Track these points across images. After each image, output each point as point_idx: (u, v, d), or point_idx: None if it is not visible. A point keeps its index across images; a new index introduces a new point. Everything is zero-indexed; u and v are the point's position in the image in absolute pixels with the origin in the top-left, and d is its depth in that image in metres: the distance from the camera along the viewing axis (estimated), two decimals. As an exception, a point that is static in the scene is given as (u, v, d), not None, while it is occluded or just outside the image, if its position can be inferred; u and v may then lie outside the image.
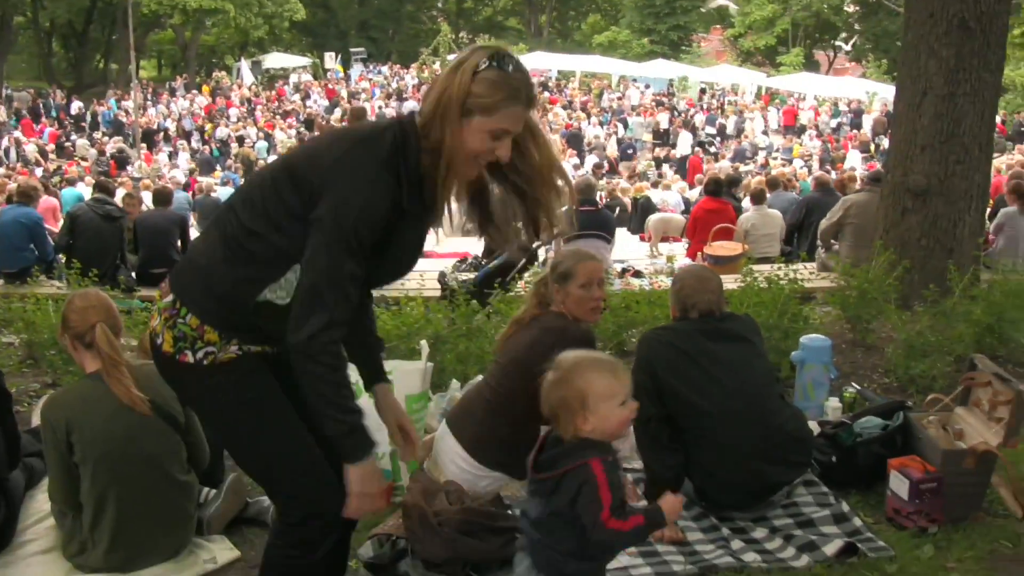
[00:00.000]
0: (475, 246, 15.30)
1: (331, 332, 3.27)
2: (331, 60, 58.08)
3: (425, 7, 77.29)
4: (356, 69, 57.94)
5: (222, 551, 5.23)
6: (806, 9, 61.60)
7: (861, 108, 44.41)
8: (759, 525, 5.45)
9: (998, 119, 41.45)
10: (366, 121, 3.68)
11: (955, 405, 6.03)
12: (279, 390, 3.62)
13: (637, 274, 12.68)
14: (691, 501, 5.64)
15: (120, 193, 17.18)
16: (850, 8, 64.54)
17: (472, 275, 11.51)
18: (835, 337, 8.28)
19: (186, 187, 25.32)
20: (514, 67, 3.46)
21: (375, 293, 3.98)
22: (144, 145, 38.62)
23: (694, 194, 23.43)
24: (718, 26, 72.40)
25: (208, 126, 42.83)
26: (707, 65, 61.31)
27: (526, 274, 10.78)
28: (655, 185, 26.81)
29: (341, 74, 56.22)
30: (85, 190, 21.41)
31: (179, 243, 13.61)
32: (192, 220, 18.37)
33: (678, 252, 15.33)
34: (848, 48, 67.72)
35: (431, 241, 18.82)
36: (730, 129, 43.09)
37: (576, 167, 32.00)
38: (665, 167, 34.34)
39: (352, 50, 61.02)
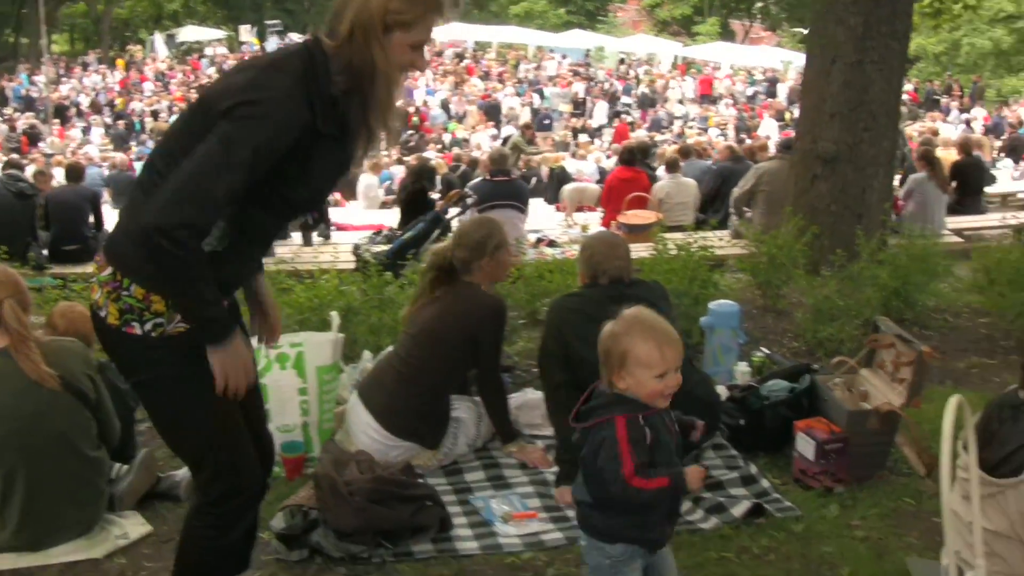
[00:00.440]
0: (390, 218, 15.31)
1: (182, 232, 3.16)
2: (247, 32, 57.37)
3: (340, -22, 76.46)
4: (272, 41, 57.25)
5: (134, 526, 5.20)
6: (721, -22, 61.94)
7: (776, 77, 44.70)
8: (669, 488, 5.51)
9: (911, 87, 42.17)
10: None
11: (860, 367, 6.12)
12: None
13: (552, 244, 12.70)
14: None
15: (31, 170, 16.92)
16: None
17: (386, 247, 11.49)
18: (746, 303, 8.38)
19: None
20: None
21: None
22: (57, 121, 37.97)
23: (612, 163, 23.49)
24: (635, -4, 72.54)
25: (119, 100, 42.19)
26: (624, 35, 61.33)
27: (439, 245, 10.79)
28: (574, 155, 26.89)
29: (257, 47, 55.55)
30: (-5, 167, 21.05)
31: (92, 219, 13.40)
32: (106, 196, 18.09)
33: (593, 221, 15.38)
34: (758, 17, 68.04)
35: (350, 213, 18.90)
36: (646, 99, 43.21)
37: (493, 138, 31.90)
38: (582, 137, 34.35)
39: (268, 22, 60.31)
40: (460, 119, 38.61)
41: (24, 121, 37.72)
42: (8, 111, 40.96)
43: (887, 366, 5.91)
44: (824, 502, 5.37)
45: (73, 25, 68.10)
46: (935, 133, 24.54)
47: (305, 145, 3.36)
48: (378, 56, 3.36)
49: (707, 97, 43.96)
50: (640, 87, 44.57)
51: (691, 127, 35.18)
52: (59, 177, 16.69)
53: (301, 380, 5.88)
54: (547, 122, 38.04)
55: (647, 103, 42.30)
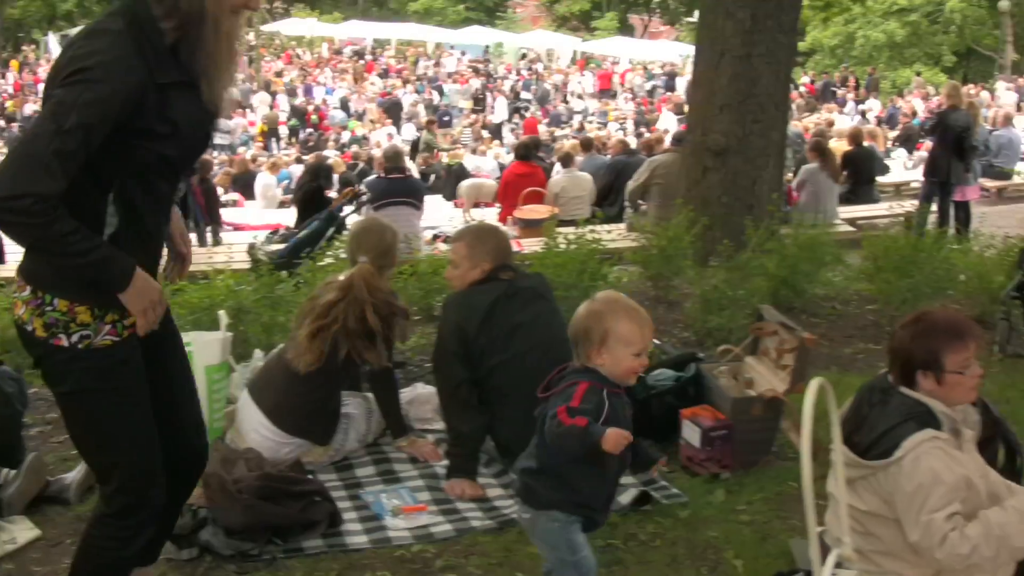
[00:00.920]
0: (288, 218, 15.26)
1: (25, 201, 3.12)
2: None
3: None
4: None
5: (22, 531, 5.13)
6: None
7: (675, 71, 45.05)
8: (559, 479, 5.57)
9: (808, 79, 42.73)
10: None
11: (745, 355, 6.23)
12: (143, 382, 3.63)
13: (447, 240, 12.73)
14: (492, 459, 5.76)
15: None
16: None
17: (282, 246, 11.46)
18: (638, 295, 8.46)
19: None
20: None
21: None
22: (-52, 124, 37.36)
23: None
24: (533, -9, 72.70)
25: (10, 104, 41.38)
26: (523, 30, 61.48)
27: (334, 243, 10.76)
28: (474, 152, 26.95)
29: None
30: None
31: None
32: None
33: (490, 217, 15.44)
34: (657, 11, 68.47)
35: (248, 213, 18.77)
36: (543, 94, 43.36)
37: (389, 136, 31.80)
38: (485, 132, 34.41)
39: (164, 21, 59.71)
40: (360, 117, 38.49)
41: (-87, 125, 36.99)
42: (-101, 117, 40.11)
43: (771, 353, 6.01)
44: (710, 488, 5.45)
45: (-36, 26, 66.87)
46: (831, 124, 24.93)
47: (157, 99, 3.33)
48: (208, 1, 3.37)
49: (606, 92, 44.23)
50: (541, 82, 44.72)
51: (591, 122, 35.34)
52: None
53: (190, 380, 5.83)
54: (447, 119, 38.09)
55: (546, 99, 42.47)
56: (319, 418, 5.78)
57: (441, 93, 42.94)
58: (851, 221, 14.43)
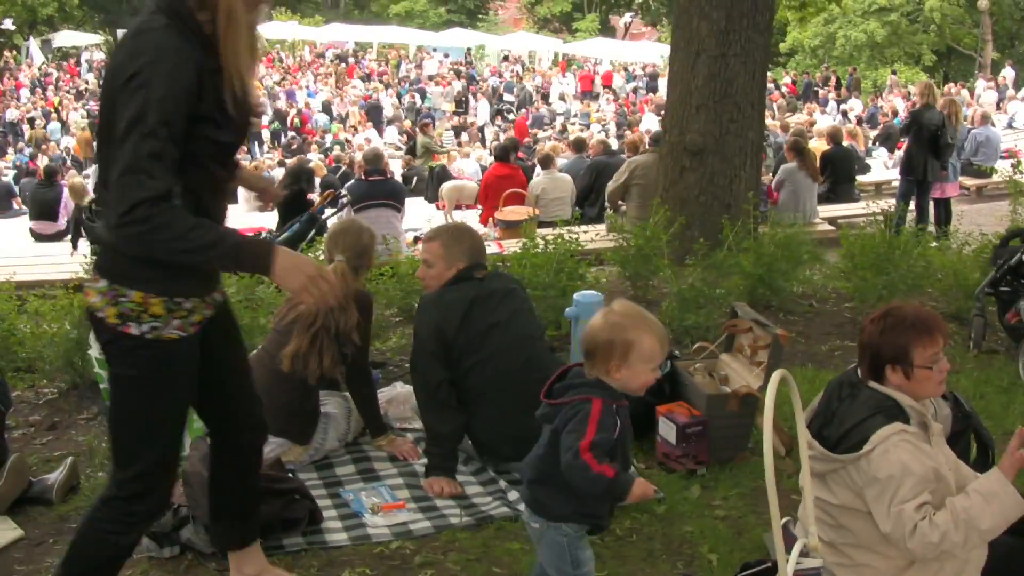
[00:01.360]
0: (271, 220, 15.23)
1: (139, 211, 3.26)
2: (126, 36, 56.58)
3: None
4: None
5: (5, 531, 5.17)
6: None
7: (656, 72, 45.07)
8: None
9: (789, 79, 42.78)
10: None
11: (720, 352, 6.29)
12: (195, 379, 3.79)
13: (418, 239, 12.77)
14: (470, 457, 5.81)
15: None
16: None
17: (263, 248, 11.44)
18: (616, 294, 8.49)
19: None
20: None
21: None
22: (-70, 131, 37.23)
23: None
24: (515, -7, 72.70)
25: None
26: (504, 32, 61.54)
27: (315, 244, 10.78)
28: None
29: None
30: None
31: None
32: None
33: (471, 218, 15.47)
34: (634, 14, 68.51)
35: (231, 216, 18.74)
36: (527, 96, 43.39)
37: (367, 141, 31.71)
38: (464, 135, 34.42)
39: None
40: (343, 120, 38.47)
41: None
42: None
43: (745, 350, 6.08)
44: (687, 484, 5.53)
45: (-57, 31, 66.61)
46: (811, 124, 25.01)
47: (211, 85, 3.45)
48: None
49: (588, 93, 44.26)
50: (522, 84, 44.75)
51: (573, 123, 35.37)
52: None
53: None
54: (428, 121, 38.09)
55: (528, 100, 42.50)
56: (298, 417, 5.82)
57: (423, 96, 42.94)
58: (831, 220, 14.48)
